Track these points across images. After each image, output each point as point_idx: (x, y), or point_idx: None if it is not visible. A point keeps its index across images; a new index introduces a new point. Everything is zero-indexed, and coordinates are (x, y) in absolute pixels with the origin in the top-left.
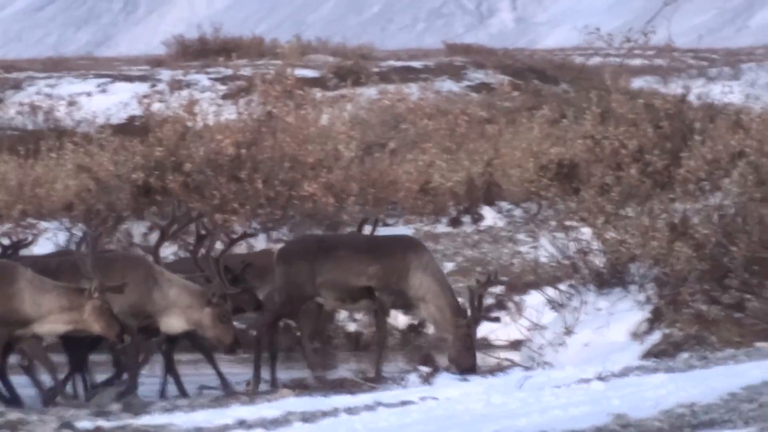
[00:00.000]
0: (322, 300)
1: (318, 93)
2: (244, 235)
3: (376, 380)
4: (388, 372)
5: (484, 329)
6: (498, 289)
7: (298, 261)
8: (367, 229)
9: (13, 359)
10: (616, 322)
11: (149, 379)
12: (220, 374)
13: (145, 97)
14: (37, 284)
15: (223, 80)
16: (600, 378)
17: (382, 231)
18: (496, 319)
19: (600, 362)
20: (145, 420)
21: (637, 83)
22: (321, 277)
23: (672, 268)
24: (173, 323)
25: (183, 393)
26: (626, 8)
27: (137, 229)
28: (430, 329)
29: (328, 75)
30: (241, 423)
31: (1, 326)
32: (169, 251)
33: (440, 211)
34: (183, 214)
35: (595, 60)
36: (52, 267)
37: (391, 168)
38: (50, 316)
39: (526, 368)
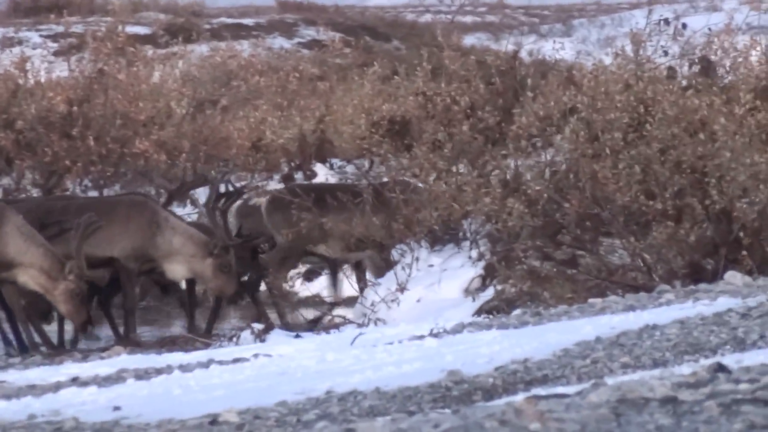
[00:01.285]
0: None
1: (149, 50)
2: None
3: (209, 337)
4: (222, 329)
5: (317, 286)
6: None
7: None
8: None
9: None
10: (449, 278)
11: None
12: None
13: None
14: (25, 232)
15: (54, 37)
16: (433, 335)
17: None
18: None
19: (433, 319)
20: None
21: (469, 40)
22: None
23: (504, 225)
24: (176, 270)
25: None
26: None
27: None
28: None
29: (160, 32)
30: (74, 380)
31: None
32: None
33: (273, 168)
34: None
35: (427, 17)
36: (57, 208)
37: (223, 125)
38: (30, 270)
39: (359, 325)
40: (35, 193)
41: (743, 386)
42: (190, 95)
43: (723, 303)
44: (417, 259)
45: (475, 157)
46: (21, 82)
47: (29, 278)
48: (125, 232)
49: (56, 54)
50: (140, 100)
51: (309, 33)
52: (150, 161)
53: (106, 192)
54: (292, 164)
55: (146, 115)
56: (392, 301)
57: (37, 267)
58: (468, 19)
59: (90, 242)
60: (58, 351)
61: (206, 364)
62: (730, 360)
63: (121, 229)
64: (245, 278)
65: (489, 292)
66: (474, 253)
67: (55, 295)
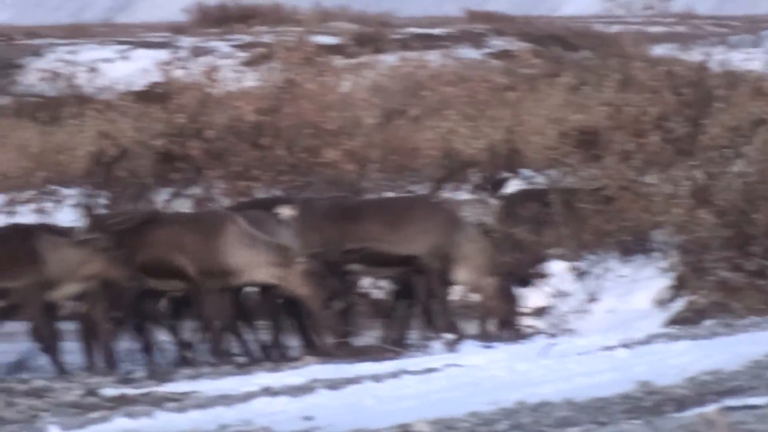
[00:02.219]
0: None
1: (338, 60)
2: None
3: (401, 347)
4: (413, 339)
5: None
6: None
7: None
8: None
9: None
10: (640, 289)
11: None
12: (244, 341)
13: (165, 63)
14: (244, 239)
15: (243, 47)
16: (624, 345)
17: None
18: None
19: (623, 330)
20: (169, 387)
21: (658, 50)
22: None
23: (695, 236)
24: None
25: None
26: None
27: (160, 196)
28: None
29: (349, 42)
30: (266, 390)
31: (212, 278)
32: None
33: (462, 179)
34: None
35: (615, 28)
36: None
37: (412, 135)
38: (259, 269)
39: (550, 335)
40: (225, 202)
41: None
42: (379, 105)
43: None
44: (607, 269)
45: (665, 168)
46: (210, 91)
47: (257, 276)
48: (424, 231)
49: (245, 63)
50: (329, 110)
51: (498, 43)
52: (339, 171)
53: None
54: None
55: (336, 125)
56: (583, 311)
57: (265, 265)
58: (656, 29)
59: (389, 240)
60: (250, 361)
61: (397, 374)
62: None
63: (419, 228)
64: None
65: (679, 303)
66: (664, 264)
67: (290, 281)
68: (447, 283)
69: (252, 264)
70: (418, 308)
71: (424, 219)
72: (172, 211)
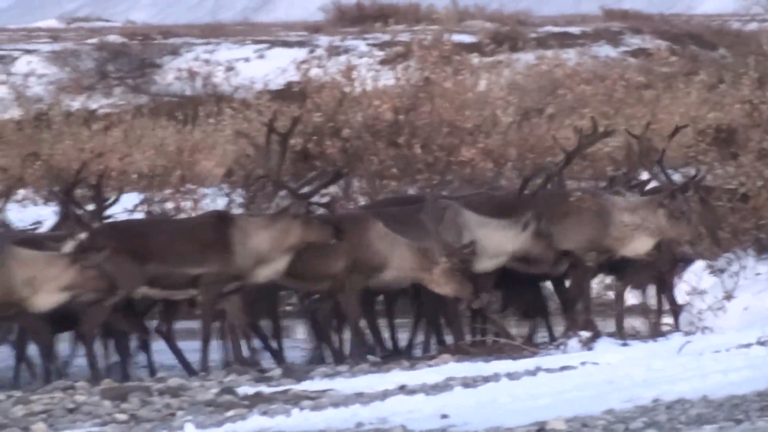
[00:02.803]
0: None
1: (475, 58)
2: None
3: (536, 345)
4: (549, 337)
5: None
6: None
7: None
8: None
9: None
10: None
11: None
12: (379, 339)
13: (302, 62)
14: (387, 236)
15: (380, 46)
16: (760, 343)
17: None
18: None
19: (760, 327)
20: (305, 385)
21: None
22: None
23: None
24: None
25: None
26: None
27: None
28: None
29: (485, 40)
30: (402, 388)
31: (358, 274)
32: None
33: (599, 176)
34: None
35: (753, 26)
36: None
37: (549, 133)
38: (399, 269)
39: (687, 333)
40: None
41: None
42: (515, 103)
43: None
44: (744, 267)
45: None
46: (348, 90)
47: (398, 276)
48: (579, 225)
49: (382, 62)
50: (466, 109)
51: (635, 41)
52: (476, 169)
53: None
54: (619, 172)
55: (472, 124)
56: (719, 309)
57: (407, 266)
58: None
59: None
60: (387, 359)
61: (533, 372)
62: None
63: (574, 222)
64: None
65: None
66: None
67: (434, 280)
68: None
69: (396, 263)
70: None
71: (578, 214)
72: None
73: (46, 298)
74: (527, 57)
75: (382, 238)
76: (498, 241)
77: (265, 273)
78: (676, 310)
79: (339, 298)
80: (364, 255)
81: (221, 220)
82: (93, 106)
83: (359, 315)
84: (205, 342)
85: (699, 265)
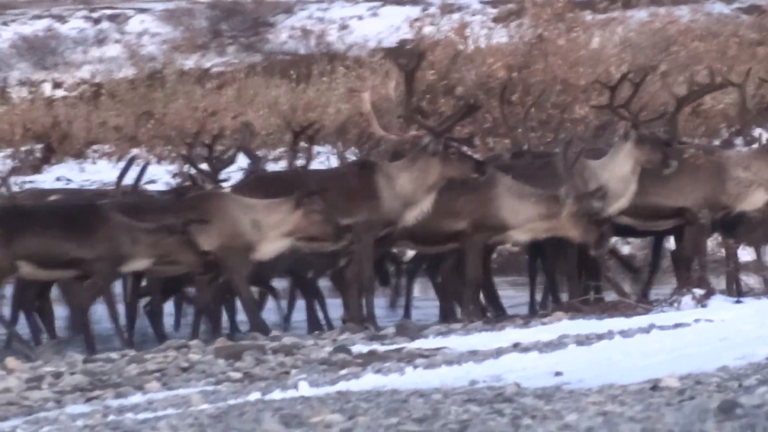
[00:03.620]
0: None
1: (588, 16)
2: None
3: (650, 303)
4: (662, 294)
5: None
6: None
7: None
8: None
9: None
10: None
11: (423, 302)
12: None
13: (415, 20)
14: (515, 191)
15: (493, 3)
16: None
17: None
18: None
19: None
20: (419, 343)
21: None
22: None
23: None
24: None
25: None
26: None
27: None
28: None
29: None
30: (515, 345)
31: (480, 232)
32: None
33: (712, 133)
34: None
35: None
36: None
37: (663, 90)
38: (527, 226)
39: None
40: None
41: None
42: (629, 61)
43: None
44: None
45: None
46: (461, 48)
47: (528, 233)
48: (696, 182)
49: (495, 20)
50: (579, 66)
51: None
52: (589, 127)
53: None
54: (732, 129)
55: (585, 81)
56: None
57: (535, 219)
58: None
59: (658, 192)
60: (501, 317)
61: (647, 330)
62: None
63: (690, 179)
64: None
65: None
66: None
67: (562, 226)
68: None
69: (524, 217)
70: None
71: (693, 171)
72: None
73: (271, 245)
74: (640, 14)
75: (510, 190)
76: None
77: (413, 214)
78: None
79: (463, 256)
80: (490, 211)
81: (365, 168)
82: (206, 64)
83: (480, 274)
84: (368, 292)
85: None
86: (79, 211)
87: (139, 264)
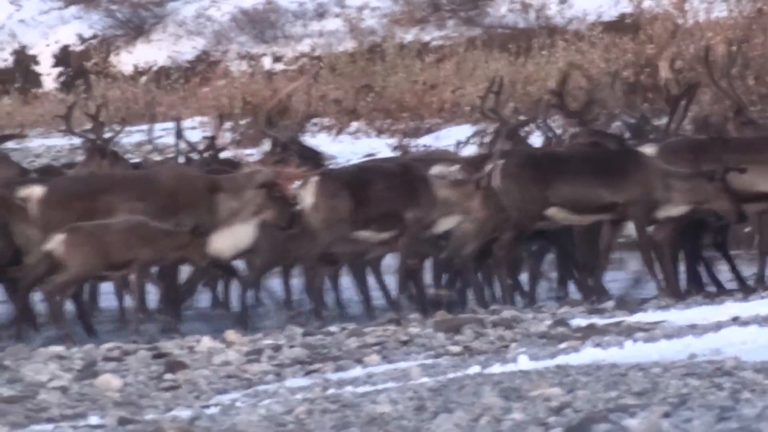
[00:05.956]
0: None
1: None
2: None
3: None
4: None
5: None
6: None
7: None
8: None
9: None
10: None
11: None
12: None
13: None
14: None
15: None
16: None
17: None
18: None
19: None
20: (638, 317)
21: None
22: None
23: None
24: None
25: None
26: None
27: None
28: None
29: None
30: (735, 319)
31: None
32: None
33: None
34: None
35: None
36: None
37: None
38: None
39: None
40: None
41: None
42: None
43: None
44: None
45: None
46: (680, 22)
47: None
48: None
49: None
50: None
51: None
52: None
53: None
54: None
55: None
56: None
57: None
58: None
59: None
60: (721, 291)
61: None
62: None
63: None
64: None
65: None
66: None
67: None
68: None
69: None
70: None
71: None
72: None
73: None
74: None
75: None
76: None
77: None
78: None
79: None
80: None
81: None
82: (426, 38)
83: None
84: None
85: None
86: (614, 157)
87: (674, 211)
